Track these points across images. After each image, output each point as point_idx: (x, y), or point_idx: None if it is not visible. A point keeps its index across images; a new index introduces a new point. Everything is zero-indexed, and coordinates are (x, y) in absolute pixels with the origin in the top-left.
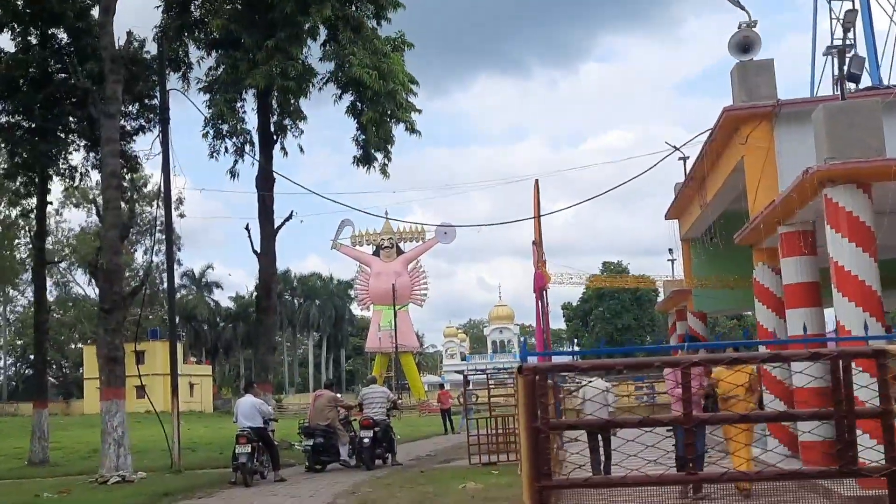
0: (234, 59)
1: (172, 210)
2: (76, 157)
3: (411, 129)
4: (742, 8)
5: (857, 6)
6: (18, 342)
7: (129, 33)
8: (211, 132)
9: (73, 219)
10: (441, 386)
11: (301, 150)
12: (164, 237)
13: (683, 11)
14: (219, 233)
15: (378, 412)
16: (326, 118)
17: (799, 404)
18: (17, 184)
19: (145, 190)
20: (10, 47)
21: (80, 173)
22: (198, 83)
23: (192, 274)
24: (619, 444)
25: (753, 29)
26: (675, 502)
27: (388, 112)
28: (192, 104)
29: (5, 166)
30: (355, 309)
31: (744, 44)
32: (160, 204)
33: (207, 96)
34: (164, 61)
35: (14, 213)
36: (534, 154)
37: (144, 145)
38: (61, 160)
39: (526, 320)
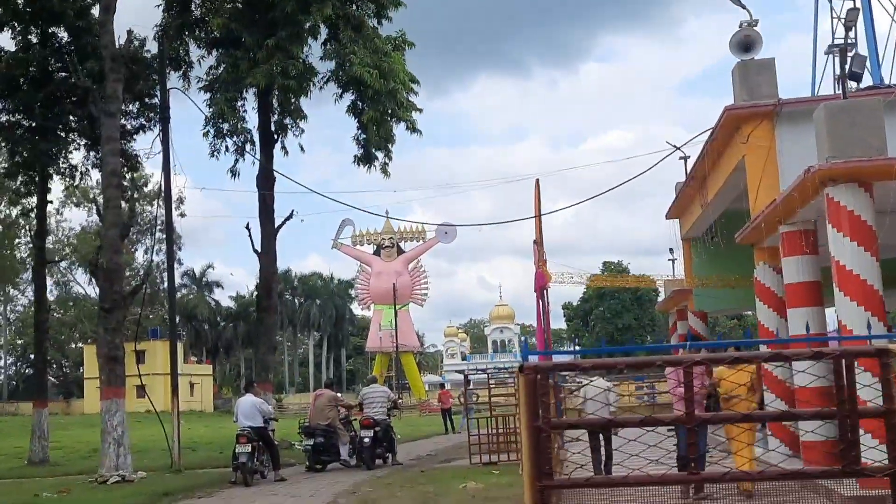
0: (234, 58)
1: (173, 209)
2: (76, 156)
3: (412, 128)
4: (743, 7)
5: (859, 5)
6: (19, 341)
7: (130, 32)
8: (211, 131)
9: (74, 218)
10: (441, 385)
11: (302, 149)
12: (164, 236)
13: (683, 11)
14: (219, 232)
15: (378, 412)
16: (327, 117)
17: (800, 404)
18: (18, 183)
19: (146, 189)
20: (10, 46)
21: (81, 172)
22: (198, 82)
23: (192, 273)
24: (620, 443)
25: (755, 28)
26: (676, 502)
27: (389, 111)
28: (192, 103)
29: (6, 165)
30: (356, 308)
31: (745, 43)
32: (160, 203)
33: (208, 95)
34: (164, 60)
35: (14, 212)
36: (534, 154)
37: (145, 144)
38: (61, 159)
39: (526, 320)
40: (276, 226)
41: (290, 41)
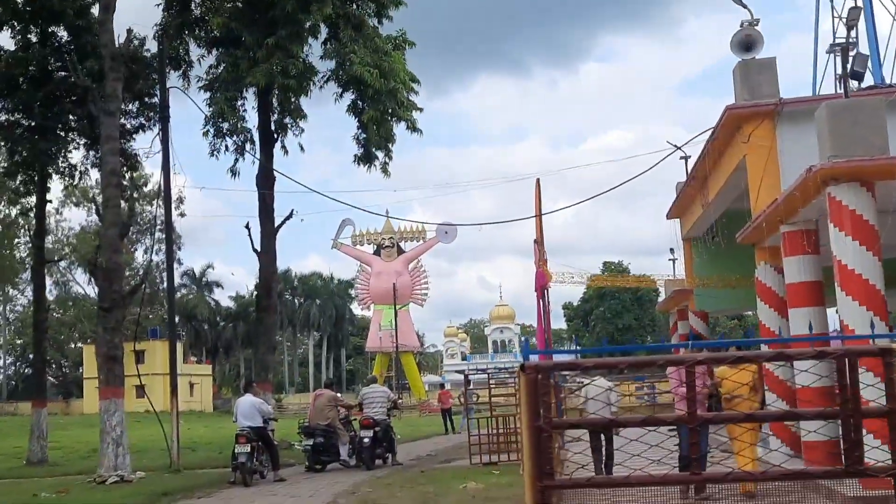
0: (234, 58)
1: (172, 209)
2: (76, 156)
3: (412, 127)
4: (744, 6)
5: (860, 3)
6: (18, 341)
7: (130, 31)
8: (211, 130)
9: (73, 217)
10: (441, 386)
11: (301, 148)
12: (164, 236)
13: (683, 11)
14: (219, 231)
15: (378, 412)
16: (327, 117)
17: (802, 404)
18: (17, 182)
19: (145, 189)
20: (9, 45)
21: (80, 172)
22: (198, 81)
23: (192, 273)
24: (621, 443)
25: (756, 27)
26: (677, 502)
27: (389, 110)
28: (192, 102)
29: (5, 165)
30: (356, 308)
31: (746, 42)
32: (160, 203)
33: (208, 94)
34: (164, 59)
35: (14, 211)
36: (534, 154)
37: (144, 143)
38: (61, 158)
39: (527, 320)
40: (275, 225)
41: (290, 40)
